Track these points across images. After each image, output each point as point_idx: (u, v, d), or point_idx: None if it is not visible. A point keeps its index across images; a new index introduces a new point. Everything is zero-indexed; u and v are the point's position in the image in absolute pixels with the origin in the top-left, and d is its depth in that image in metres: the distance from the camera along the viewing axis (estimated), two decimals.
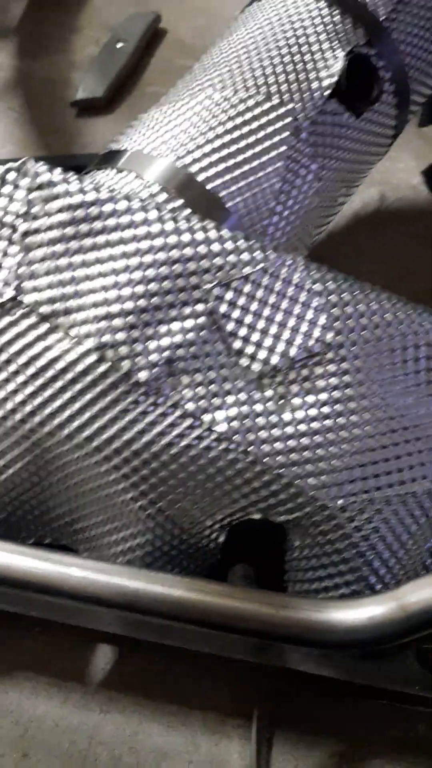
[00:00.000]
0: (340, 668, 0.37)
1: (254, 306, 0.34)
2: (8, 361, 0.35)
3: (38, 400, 0.35)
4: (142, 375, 0.34)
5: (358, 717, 0.44)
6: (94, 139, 0.76)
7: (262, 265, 0.35)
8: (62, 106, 0.79)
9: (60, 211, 0.35)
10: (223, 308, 0.34)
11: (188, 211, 0.37)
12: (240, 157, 0.40)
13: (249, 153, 0.40)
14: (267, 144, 0.41)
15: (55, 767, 0.43)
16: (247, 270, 0.34)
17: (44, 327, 0.35)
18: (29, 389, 0.35)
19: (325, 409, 0.34)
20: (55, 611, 0.38)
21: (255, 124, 0.41)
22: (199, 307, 0.34)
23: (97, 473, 0.37)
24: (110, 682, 0.46)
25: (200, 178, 0.39)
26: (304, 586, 0.38)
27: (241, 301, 0.34)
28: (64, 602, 0.32)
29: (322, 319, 0.35)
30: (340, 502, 0.34)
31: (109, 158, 0.43)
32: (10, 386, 0.36)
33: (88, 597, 0.31)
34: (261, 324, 0.34)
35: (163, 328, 0.34)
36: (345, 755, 0.44)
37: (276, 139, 0.41)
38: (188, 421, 0.35)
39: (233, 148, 0.40)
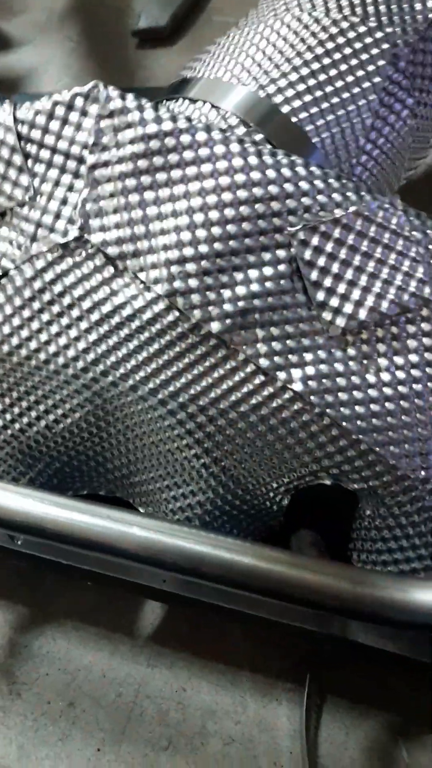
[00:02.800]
0: (403, 644, 0.35)
1: (343, 253, 0.31)
2: (71, 306, 0.33)
3: (102, 348, 0.33)
4: (214, 326, 0.31)
5: (409, 690, 0.42)
6: (156, 73, 0.72)
7: (354, 207, 0.31)
8: (122, 36, 0.75)
9: (132, 141, 0.31)
10: (308, 254, 0.31)
11: (270, 145, 0.34)
12: (329, 88, 0.36)
13: (339, 83, 0.36)
14: (360, 74, 0.36)
15: (101, 717, 0.43)
16: (338, 212, 0.31)
17: (110, 270, 0.32)
18: (93, 336, 0.33)
19: (415, 372, 0.31)
20: (109, 566, 0.37)
21: (348, 50, 0.37)
22: (281, 252, 0.31)
23: (160, 427, 0.35)
24: (159, 638, 0.45)
25: (284, 109, 0.36)
26: (372, 556, 0.36)
27: (329, 247, 0.31)
28: (122, 561, 0.30)
29: (420, 271, 0.31)
30: (422, 473, 0.31)
31: (182, 87, 0.39)
32: (73, 332, 0.33)
33: (150, 558, 0.29)
34: (349, 274, 0.31)
35: (239, 276, 0.31)
36: (397, 728, 0.42)
37: (371, 68, 0.36)
38: (260, 378, 0.32)
39: (322, 77, 0.36)
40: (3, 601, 0.46)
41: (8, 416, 0.37)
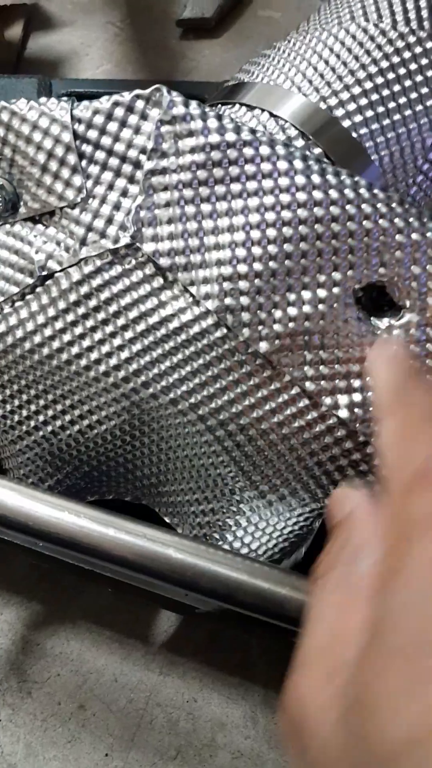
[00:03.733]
0: None
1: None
2: (117, 314, 0.32)
3: (145, 359, 0.32)
4: (263, 346, 0.31)
5: None
6: (199, 64, 0.70)
7: (416, 235, 0.30)
8: (166, 24, 0.73)
9: (193, 150, 0.30)
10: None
11: (331, 162, 0.33)
12: (391, 104, 0.35)
13: (402, 100, 0.35)
14: (424, 91, 0.35)
15: (111, 722, 0.43)
16: (399, 238, 0.30)
17: (160, 281, 0.31)
18: (137, 347, 0.32)
19: None
20: (133, 577, 0.36)
21: (413, 66, 0.35)
22: (337, 275, 0.30)
23: (197, 442, 0.34)
24: (173, 646, 0.44)
25: (345, 123, 0.35)
26: None
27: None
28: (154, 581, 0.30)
29: None
30: None
31: (238, 91, 0.38)
32: (117, 341, 0.32)
33: (185, 582, 0.28)
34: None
35: (292, 296, 0.30)
36: None
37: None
38: (305, 402, 0.31)
39: (386, 92, 0.35)
40: (18, 598, 0.46)
41: (41, 418, 0.36)
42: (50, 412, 0.36)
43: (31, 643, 0.45)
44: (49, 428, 0.36)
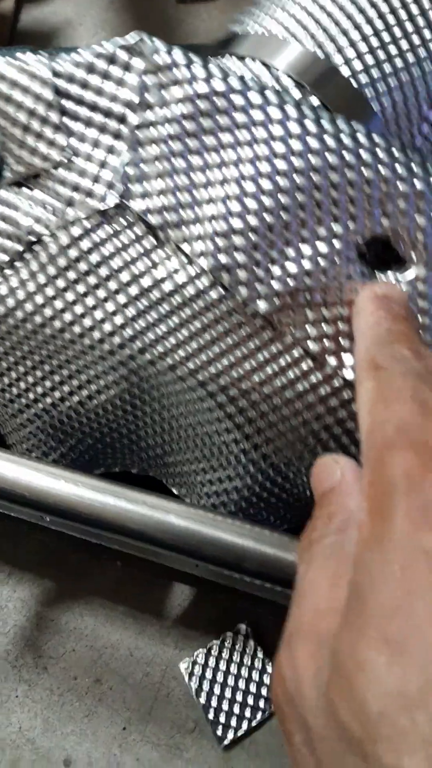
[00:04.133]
0: None
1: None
2: (108, 277, 0.31)
3: (140, 323, 0.31)
4: (261, 305, 0.29)
5: None
6: (198, 28, 0.68)
7: (419, 182, 0.28)
8: None
9: (180, 101, 0.29)
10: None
11: (320, 106, 0.31)
12: (393, 49, 0.33)
13: (404, 44, 0.33)
14: (428, 35, 0.33)
15: (128, 696, 0.42)
16: (401, 186, 0.28)
17: (152, 241, 0.30)
18: (131, 311, 0.31)
19: None
20: (139, 548, 0.35)
21: (414, 9, 0.33)
22: (337, 227, 0.29)
23: (198, 409, 0.33)
24: (187, 620, 0.44)
25: (344, 70, 0.33)
26: None
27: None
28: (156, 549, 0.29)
29: None
30: None
31: (230, 42, 0.36)
32: (110, 306, 0.31)
33: (189, 550, 0.27)
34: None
35: (290, 251, 0.29)
36: None
37: None
38: (308, 363, 0.30)
39: (386, 36, 0.33)
40: (30, 575, 0.45)
41: (39, 389, 0.35)
42: (48, 384, 0.35)
43: (45, 620, 0.45)
44: (49, 400, 0.36)
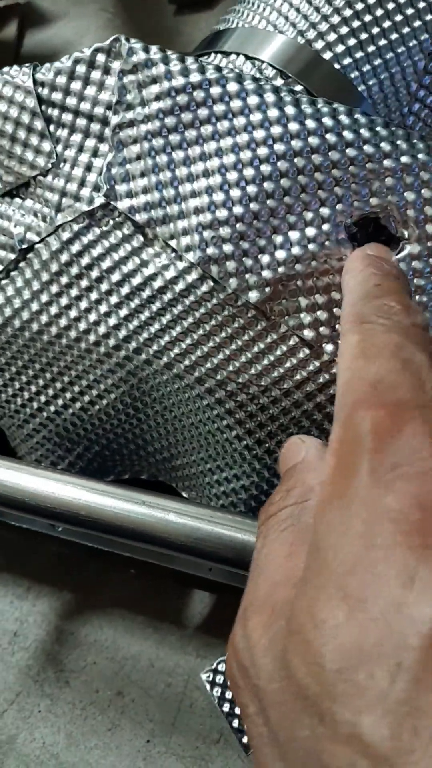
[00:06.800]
0: None
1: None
2: (100, 279, 0.31)
3: (134, 323, 0.31)
4: (252, 295, 0.29)
5: None
6: (196, 38, 0.69)
7: (405, 157, 0.28)
8: (160, 3, 0.72)
9: (159, 97, 0.29)
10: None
11: (311, 95, 0.31)
12: (375, 29, 0.33)
13: (386, 23, 0.33)
14: (410, 12, 0.33)
15: (150, 707, 0.41)
16: (387, 163, 0.28)
17: (140, 239, 0.30)
18: (123, 311, 0.31)
19: None
20: (151, 554, 0.35)
21: None
22: (325, 210, 0.28)
23: (199, 407, 0.32)
24: (208, 627, 0.43)
25: (326, 56, 0.32)
26: None
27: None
28: (159, 549, 0.29)
29: None
30: None
31: (215, 41, 0.36)
32: (103, 308, 0.31)
33: (188, 547, 0.27)
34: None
35: (278, 238, 0.28)
36: None
37: (422, 4, 0.33)
38: (305, 352, 0.29)
39: (367, 17, 0.33)
40: (48, 587, 0.45)
41: (42, 398, 0.35)
42: (50, 392, 0.35)
43: (66, 633, 0.44)
44: (52, 408, 0.35)
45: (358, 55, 0.32)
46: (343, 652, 0.15)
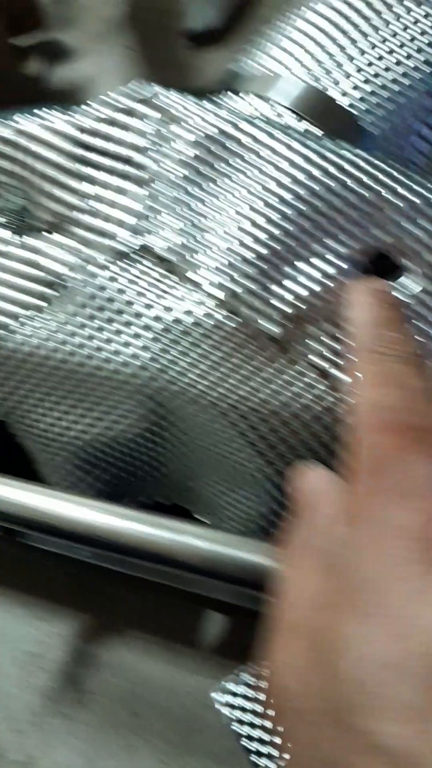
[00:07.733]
0: None
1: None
2: (120, 312, 0.33)
3: (151, 353, 0.32)
4: (274, 329, 0.30)
5: None
6: (212, 73, 0.71)
7: (407, 194, 0.29)
8: (178, 38, 0.74)
9: (192, 144, 0.31)
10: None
11: (320, 135, 0.32)
12: (382, 65, 0.34)
13: (392, 59, 0.34)
14: (414, 47, 0.34)
15: (165, 729, 0.42)
16: (398, 202, 0.29)
17: (164, 274, 0.32)
18: (141, 342, 0.32)
19: None
20: (168, 576, 0.36)
21: (400, 24, 0.35)
22: (341, 249, 0.30)
23: (220, 439, 0.34)
24: (223, 650, 0.44)
25: (335, 96, 0.34)
26: None
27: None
28: (178, 572, 0.30)
29: None
30: None
31: (230, 81, 0.38)
32: (122, 338, 0.33)
33: (208, 571, 0.28)
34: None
35: (298, 275, 0.30)
36: None
37: (426, 40, 0.34)
38: (325, 384, 0.30)
39: (374, 53, 0.34)
40: (66, 610, 0.46)
41: (64, 423, 0.37)
42: (71, 417, 0.36)
43: (84, 654, 0.45)
44: (72, 433, 0.37)
45: (373, 100, 0.34)
46: (366, 668, 0.16)
